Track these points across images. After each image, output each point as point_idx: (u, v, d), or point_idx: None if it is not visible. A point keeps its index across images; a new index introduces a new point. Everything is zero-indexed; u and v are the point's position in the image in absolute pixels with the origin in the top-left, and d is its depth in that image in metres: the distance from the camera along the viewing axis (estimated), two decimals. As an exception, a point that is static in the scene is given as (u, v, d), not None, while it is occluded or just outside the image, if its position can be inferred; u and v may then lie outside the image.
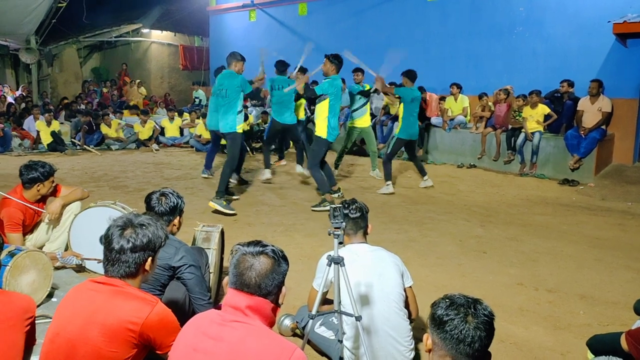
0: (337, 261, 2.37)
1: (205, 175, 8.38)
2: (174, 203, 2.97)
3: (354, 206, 2.92)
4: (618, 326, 3.50)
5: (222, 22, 16.68)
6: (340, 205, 2.53)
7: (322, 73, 6.66)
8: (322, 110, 6.50)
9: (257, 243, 1.89)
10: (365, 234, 2.95)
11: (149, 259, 2.15)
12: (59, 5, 14.23)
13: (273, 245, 1.91)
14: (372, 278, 2.77)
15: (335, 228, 2.37)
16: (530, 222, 6.30)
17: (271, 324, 1.87)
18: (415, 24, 11.74)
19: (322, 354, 3.11)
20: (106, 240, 2.10)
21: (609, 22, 8.45)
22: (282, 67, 8.12)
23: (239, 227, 5.83)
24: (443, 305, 1.67)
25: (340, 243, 2.37)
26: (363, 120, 8.36)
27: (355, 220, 2.90)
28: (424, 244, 5.38)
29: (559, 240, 5.53)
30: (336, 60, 6.46)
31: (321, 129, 6.54)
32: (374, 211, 6.44)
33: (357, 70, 8.80)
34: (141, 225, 2.12)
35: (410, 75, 7.52)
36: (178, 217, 3.01)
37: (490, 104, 9.93)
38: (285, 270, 1.90)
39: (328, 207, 6.61)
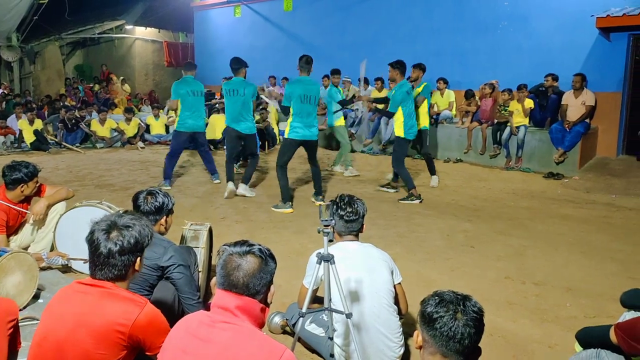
0: (327, 259, 2.37)
1: (168, 187, 7.44)
2: (160, 202, 2.94)
3: (350, 209, 2.87)
4: (604, 318, 3.54)
5: (207, 18, 16.57)
6: (330, 203, 2.52)
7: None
8: (398, 114, 6.82)
9: (243, 243, 1.88)
10: (358, 233, 2.94)
11: (137, 259, 2.12)
12: (41, 2, 14.03)
13: (260, 245, 1.90)
14: (361, 275, 2.77)
15: (324, 226, 2.36)
16: (516, 215, 6.36)
17: (261, 325, 1.86)
18: (401, 20, 11.76)
19: (313, 351, 3.11)
20: (91, 244, 2.06)
21: (592, 16, 8.53)
22: (235, 64, 6.95)
23: (228, 225, 5.81)
24: (432, 302, 1.68)
25: (330, 241, 2.36)
26: (339, 121, 8.89)
27: (350, 222, 2.88)
28: (413, 239, 5.40)
29: (545, 234, 5.59)
30: (399, 65, 6.77)
31: (399, 129, 6.87)
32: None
33: (335, 72, 8.98)
34: (126, 226, 2.09)
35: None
36: (165, 217, 2.98)
37: (477, 98, 9.98)
38: (273, 269, 1.89)
39: (416, 201, 6.85)
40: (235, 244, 1.87)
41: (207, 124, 11.35)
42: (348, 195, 2.99)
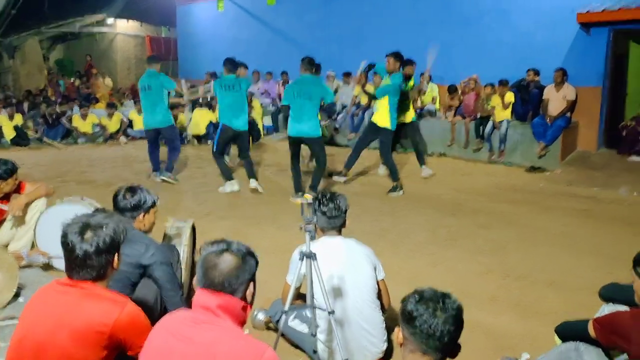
0: (309, 256, 2.37)
1: (165, 178, 7.60)
2: (137, 199, 2.90)
3: (332, 204, 2.87)
4: (585, 312, 3.57)
5: (190, 12, 16.41)
6: (311, 200, 2.52)
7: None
8: (382, 104, 6.94)
9: (221, 241, 1.88)
10: (340, 228, 2.94)
11: (115, 257, 2.11)
12: (19, -5, 13.81)
13: (238, 242, 1.90)
14: (344, 271, 2.78)
15: (306, 223, 2.36)
16: (499, 209, 6.41)
17: (242, 323, 1.86)
18: (385, 14, 11.75)
19: (297, 347, 3.12)
20: (66, 247, 2.03)
21: (572, 11, 8.60)
22: (230, 65, 6.98)
23: (212, 221, 5.78)
24: (412, 300, 1.69)
25: (312, 238, 2.36)
26: None
27: (332, 218, 2.89)
28: (396, 233, 5.43)
29: (527, 227, 5.65)
30: (399, 57, 7.01)
31: (385, 121, 6.93)
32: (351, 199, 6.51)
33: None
34: (100, 226, 2.06)
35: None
36: (144, 213, 2.94)
37: (460, 93, 10.03)
38: (253, 267, 1.89)
39: (400, 192, 6.91)
40: (213, 242, 1.88)
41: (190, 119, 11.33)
42: (330, 191, 3.01)
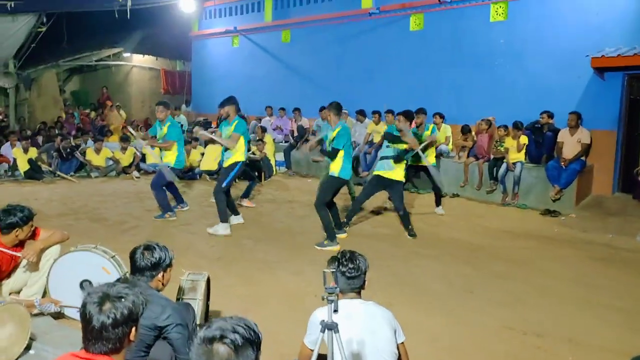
0: (331, 327, 2.30)
1: (186, 208, 8.24)
2: (157, 258, 2.87)
3: (352, 265, 2.81)
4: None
5: (205, 47, 16.70)
6: (334, 270, 2.46)
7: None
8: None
9: (217, 322, 1.69)
10: (360, 290, 2.88)
11: (132, 329, 2.06)
12: (39, 30, 14.09)
13: (238, 323, 1.67)
14: (364, 335, 2.70)
15: (329, 293, 2.30)
16: (515, 257, 6.31)
17: None
18: (398, 53, 11.87)
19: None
20: (84, 318, 1.99)
21: (587, 56, 8.62)
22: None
23: (222, 266, 5.72)
24: None
25: (335, 311, 2.29)
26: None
27: (352, 278, 2.83)
28: (411, 283, 5.33)
29: (544, 278, 5.54)
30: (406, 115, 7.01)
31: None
32: (359, 245, 6.43)
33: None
34: (119, 297, 2.01)
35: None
36: (163, 272, 2.91)
37: (473, 133, 10.03)
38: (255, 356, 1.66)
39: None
40: (208, 327, 1.68)
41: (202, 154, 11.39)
42: (350, 251, 2.95)
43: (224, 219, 6.96)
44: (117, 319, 1.97)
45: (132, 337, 2.05)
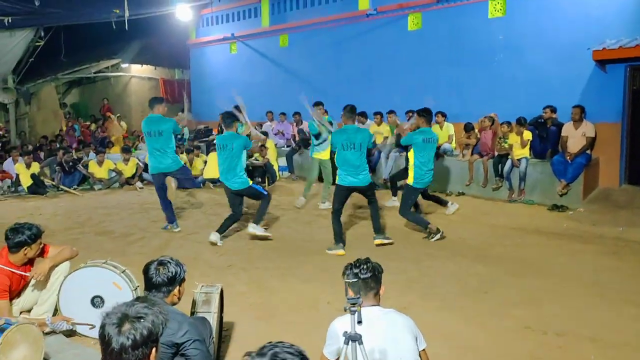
0: (355, 339, 2.25)
1: (177, 230, 7.54)
2: (172, 272, 2.83)
3: (365, 266, 2.79)
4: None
5: (203, 55, 16.68)
6: (355, 280, 2.41)
7: None
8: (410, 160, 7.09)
9: (273, 355, 1.66)
10: (376, 295, 2.83)
11: (153, 350, 2.00)
12: (37, 44, 14.08)
13: (287, 350, 1.67)
14: (385, 344, 2.65)
15: (351, 304, 2.25)
16: (526, 255, 6.24)
17: None
18: (397, 54, 11.84)
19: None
20: (103, 340, 1.94)
21: (588, 49, 8.58)
22: (229, 119, 6.99)
23: (234, 273, 5.67)
24: None
25: (359, 322, 2.24)
26: (324, 153, 8.88)
27: (366, 280, 2.78)
28: (424, 284, 5.27)
29: (558, 276, 5.47)
30: (425, 114, 7.10)
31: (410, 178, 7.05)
32: (369, 247, 6.38)
33: (317, 104, 9.14)
34: (138, 318, 1.96)
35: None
36: (178, 287, 2.87)
37: (476, 131, 9.97)
38: None
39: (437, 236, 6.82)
40: (260, 354, 1.65)
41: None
42: (365, 259, 2.91)
43: (255, 221, 6.94)
44: (137, 340, 1.92)
45: (152, 358, 2.00)
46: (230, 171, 6.70)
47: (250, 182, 6.90)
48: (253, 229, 6.85)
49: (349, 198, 6.85)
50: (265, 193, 6.96)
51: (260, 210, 6.94)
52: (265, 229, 7.14)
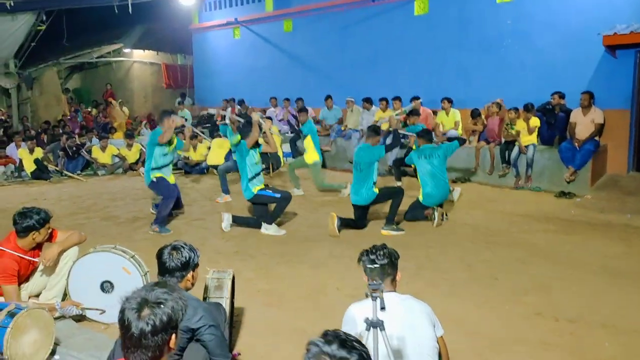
0: (377, 325, 2.21)
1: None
2: (186, 257, 2.79)
3: (381, 252, 2.75)
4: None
5: (206, 40, 16.52)
6: (378, 266, 2.37)
7: None
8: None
9: (341, 342, 1.57)
10: (393, 281, 2.79)
11: (172, 336, 1.97)
12: (38, 28, 13.95)
13: (362, 348, 1.60)
14: (404, 331, 2.61)
15: (372, 290, 2.20)
16: (534, 241, 6.21)
17: None
18: (403, 38, 11.70)
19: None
20: (122, 325, 1.90)
21: (598, 34, 8.46)
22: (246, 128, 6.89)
23: (241, 260, 5.65)
24: None
25: (382, 308, 2.19)
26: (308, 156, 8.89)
27: (383, 266, 2.74)
28: (433, 271, 5.24)
29: (567, 262, 5.44)
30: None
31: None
32: (376, 235, 6.34)
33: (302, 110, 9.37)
34: (158, 303, 1.92)
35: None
36: (192, 272, 2.83)
37: (483, 117, 9.89)
38: None
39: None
40: (327, 341, 1.57)
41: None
42: (381, 245, 2.87)
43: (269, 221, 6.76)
44: (156, 326, 1.89)
45: (172, 344, 1.96)
46: (241, 181, 6.69)
47: (256, 190, 6.56)
48: (265, 229, 6.63)
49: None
50: (279, 196, 6.59)
51: (274, 211, 6.71)
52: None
